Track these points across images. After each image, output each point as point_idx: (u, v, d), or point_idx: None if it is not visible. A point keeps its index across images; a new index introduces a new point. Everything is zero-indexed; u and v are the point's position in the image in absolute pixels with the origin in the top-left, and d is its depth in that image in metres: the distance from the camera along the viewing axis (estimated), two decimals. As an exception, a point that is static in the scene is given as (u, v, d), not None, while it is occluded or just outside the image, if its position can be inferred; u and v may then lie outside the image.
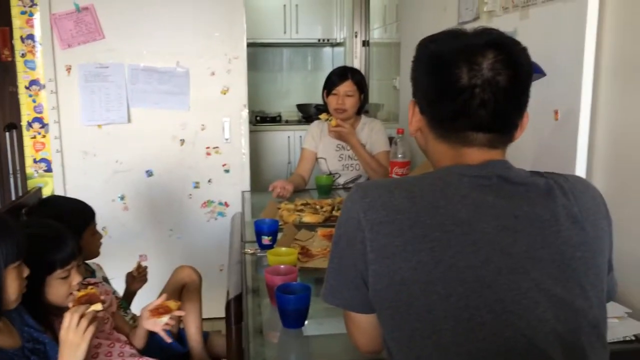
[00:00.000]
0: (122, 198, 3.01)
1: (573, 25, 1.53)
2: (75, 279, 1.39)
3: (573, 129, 1.52)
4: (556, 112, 1.58)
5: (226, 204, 3.11)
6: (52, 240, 1.36)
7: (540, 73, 1.47)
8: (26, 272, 1.22)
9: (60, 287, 1.37)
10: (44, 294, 1.36)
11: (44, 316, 1.37)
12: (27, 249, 1.21)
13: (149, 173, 3.02)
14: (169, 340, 1.57)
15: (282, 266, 1.48)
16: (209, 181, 3.07)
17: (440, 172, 0.93)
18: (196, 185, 3.07)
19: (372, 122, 2.71)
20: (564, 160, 1.51)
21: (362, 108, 2.68)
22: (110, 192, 2.97)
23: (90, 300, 1.27)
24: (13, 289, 1.19)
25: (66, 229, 1.43)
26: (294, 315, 1.28)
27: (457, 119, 0.91)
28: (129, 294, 1.84)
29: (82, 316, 1.20)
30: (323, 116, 2.61)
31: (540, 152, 1.58)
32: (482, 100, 0.88)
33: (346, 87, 2.56)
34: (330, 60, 5.18)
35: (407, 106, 3.08)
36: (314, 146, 2.73)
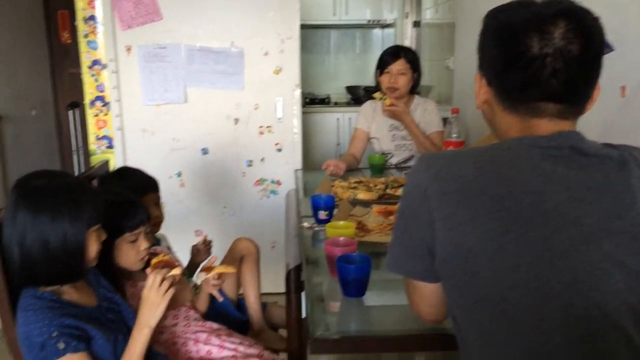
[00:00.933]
0: (178, 175, 3.10)
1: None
2: (143, 244, 1.47)
3: (640, 106, 1.48)
4: (623, 89, 1.54)
5: (278, 182, 3.16)
6: (122, 207, 1.45)
7: (609, 48, 1.44)
8: (103, 236, 1.30)
9: (128, 251, 1.45)
10: (114, 257, 1.44)
11: (115, 279, 1.45)
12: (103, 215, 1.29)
13: (205, 151, 3.10)
14: (220, 298, 1.65)
15: (341, 238, 1.51)
16: (262, 160, 3.13)
17: (509, 142, 0.93)
18: (249, 164, 3.14)
19: (426, 102, 2.70)
20: (631, 138, 1.48)
21: (416, 87, 2.68)
22: (167, 169, 3.07)
23: (166, 266, 1.34)
24: (93, 250, 1.26)
25: (136, 197, 1.52)
26: (354, 285, 1.31)
27: (527, 89, 0.91)
28: (192, 265, 1.91)
29: (163, 279, 1.27)
30: (377, 95, 2.61)
31: (605, 130, 1.54)
32: (554, 70, 0.87)
33: (399, 66, 2.56)
34: (380, 41, 5.15)
35: (461, 86, 3.07)
36: (367, 126, 2.75)
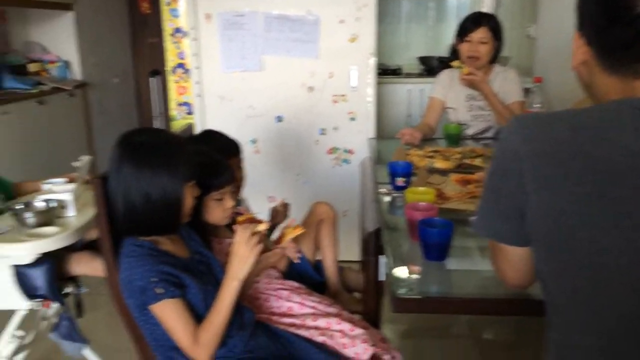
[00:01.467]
0: (253, 142, 3.18)
1: None
2: (228, 202, 1.55)
3: None
4: None
5: (351, 151, 3.19)
6: (209, 166, 1.52)
7: None
8: (197, 192, 1.37)
9: (215, 208, 1.53)
10: (202, 214, 1.52)
11: (203, 236, 1.53)
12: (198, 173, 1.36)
13: (279, 119, 3.16)
14: (296, 260, 1.71)
15: (421, 203, 1.52)
16: (335, 128, 3.16)
17: (610, 104, 0.90)
18: (323, 132, 3.17)
19: (506, 70, 2.63)
20: None
21: (497, 56, 2.60)
22: (243, 136, 3.14)
23: (252, 223, 1.40)
24: (188, 205, 1.34)
25: (221, 157, 1.59)
26: (436, 248, 1.32)
27: (630, 47, 0.86)
28: (271, 227, 1.98)
29: (252, 234, 1.33)
30: (455, 63, 2.56)
31: None
32: None
33: (480, 34, 2.50)
34: (455, 10, 5.00)
35: (544, 55, 2.95)
36: (443, 95, 2.71)
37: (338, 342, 1.49)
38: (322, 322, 1.55)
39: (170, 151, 1.30)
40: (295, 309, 1.59)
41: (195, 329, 1.29)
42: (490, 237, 1.00)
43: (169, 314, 1.26)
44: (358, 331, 1.51)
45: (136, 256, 1.28)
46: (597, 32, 0.91)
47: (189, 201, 1.34)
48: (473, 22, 2.53)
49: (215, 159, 1.58)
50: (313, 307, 1.61)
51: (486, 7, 4.48)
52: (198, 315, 1.31)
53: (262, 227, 1.37)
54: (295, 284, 1.69)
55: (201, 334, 1.29)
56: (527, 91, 2.57)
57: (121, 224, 1.32)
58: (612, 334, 0.85)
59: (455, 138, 2.55)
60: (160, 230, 1.33)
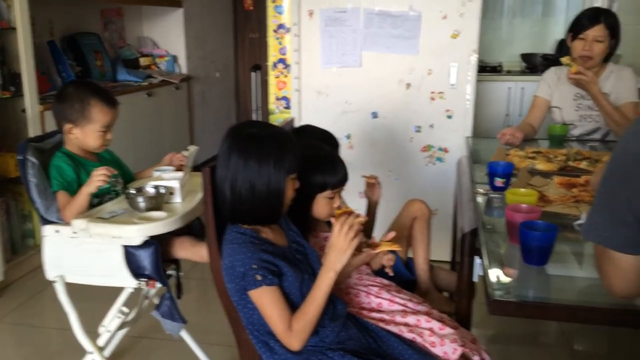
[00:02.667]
0: (348, 137, 3.21)
1: None
2: (337, 201, 1.59)
3: None
4: None
5: (445, 150, 3.13)
6: (329, 164, 1.57)
7: None
8: (297, 185, 1.41)
9: (325, 206, 1.58)
10: (310, 209, 1.57)
11: (303, 228, 1.57)
12: (302, 166, 1.40)
13: (374, 115, 3.16)
14: (391, 273, 1.66)
15: (523, 205, 1.47)
16: (431, 126, 3.11)
17: None
18: (418, 129, 3.14)
19: (621, 69, 2.47)
20: None
21: (612, 54, 2.45)
22: (338, 131, 3.14)
23: (349, 216, 1.42)
24: (289, 196, 1.39)
25: (338, 155, 1.62)
26: (537, 252, 1.28)
27: None
28: (366, 223, 1.98)
29: (350, 226, 1.36)
30: (565, 59, 2.44)
31: None
32: None
33: (596, 32, 2.36)
34: (565, 5, 4.75)
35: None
36: (549, 94, 2.59)
37: (427, 340, 1.48)
38: (411, 319, 1.54)
39: (276, 144, 1.35)
40: (384, 305, 1.60)
41: (290, 317, 1.33)
42: (601, 244, 0.96)
43: (266, 300, 1.31)
44: (447, 330, 1.50)
45: (239, 243, 1.34)
46: None
47: (290, 193, 1.38)
48: (589, 18, 2.39)
49: (336, 158, 1.63)
50: (403, 305, 1.60)
51: (600, 1, 4.23)
52: (294, 303, 1.35)
53: (360, 220, 1.38)
54: (386, 281, 1.69)
55: (295, 321, 1.33)
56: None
57: (227, 212, 1.38)
58: None
59: (559, 139, 2.44)
60: (262, 219, 1.39)
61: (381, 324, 1.53)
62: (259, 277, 1.30)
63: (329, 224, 1.51)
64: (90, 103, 1.91)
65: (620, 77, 2.43)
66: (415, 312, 1.58)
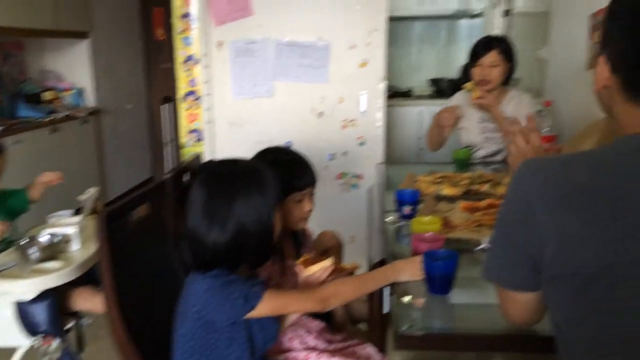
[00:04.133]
0: (263, 167, 3.18)
1: None
2: (307, 205, 1.57)
3: None
4: None
5: (360, 176, 3.17)
6: (291, 165, 1.54)
7: None
8: (281, 215, 1.37)
9: (294, 210, 1.55)
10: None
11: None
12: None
13: (289, 144, 3.15)
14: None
15: (428, 233, 1.49)
16: (344, 153, 3.15)
17: (625, 141, 0.86)
18: (332, 157, 3.16)
19: (521, 95, 2.61)
20: None
21: (509, 78, 2.59)
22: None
23: (314, 262, 1.41)
24: (277, 229, 1.35)
25: (304, 157, 1.61)
26: (440, 281, 1.30)
27: None
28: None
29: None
30: (467, 85, 2.57)
31: None
32: None
33: (491, 58, 2.50)
34: (467, 33, 5.01)
35: (555, 78, 2.92)
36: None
37: None
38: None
39: (257, 177, 1.29)
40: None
41: (309, 293, 1.34)
42: (500, 285, 0.97)
43: (277, 296, 1.28)
44: None
45: (222, 283, 1.25)
46: (626, 67, 0.88)
47: (278, 226, 1.34)
48: (483, 46, 2.53)
49: (296, 157, 1.59)
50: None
51: (497, 29, 4.48)
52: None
53: (326, 263, 1.39)
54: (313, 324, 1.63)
55: (325, 289, 1.34)
56: (537, 114, 2.55)
57: (204, 260, 1.27)
58: None
59: (464, 163, 2.53)
60: (254, 260, 1.34)
61: None
62: (256, 289, 1.25)
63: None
64: None
65: (521, 102, 2.56)
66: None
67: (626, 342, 0.81)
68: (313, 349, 1.51)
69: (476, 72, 2.55)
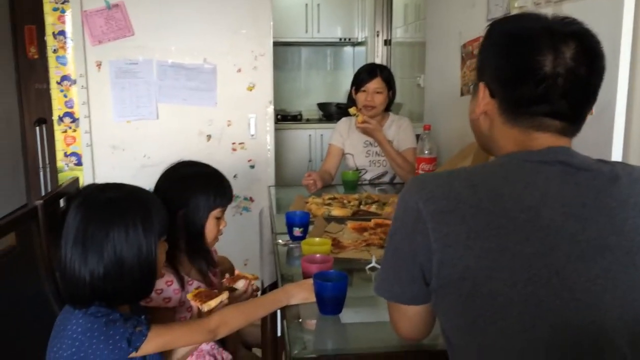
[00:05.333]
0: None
1: (608, 20, 1.54)
2: (223, 223, 1.54)
3: (608, 124, 1.52)
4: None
5: (251, 199, 3.14)
6: (216, 179, 1.52)
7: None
8: (166, 247, 1.31)
9: (213, 227, 1.51)
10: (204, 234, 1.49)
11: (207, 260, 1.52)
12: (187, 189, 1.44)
13: (176, 168, 3.06)
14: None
15: (317, 255, 1.50)
16: (235, 176, 3.11)
17: (502, 159, 0.93)
18: (222, 181, 3.11)
19: (400, 119, 2.74)
20: (599, 155, 1.52)
21: (390, 105, 2.71)
22: (140, 185, 3.01)
23: (208, 295, 1.35)
24: (161, 262, 1.26)
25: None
26: (331, 303, 1.30)
27: (536, 104, 0.89)
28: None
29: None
30: (352, 110, 2.63)
31: (574, 147, 1.58)
32: (564, 90, 0.87)
33: (375, 84, 2.59)
34: (351, 59, 5.21)
35: (431, 104, 3.08)
36: (341, 142, 2.76)
37: None
38: None
39: (141, 205, 1.20)
40: None
41: (197, 323, 1.29)
42: (392, 300, 0.99)
43: (163, 333, 1.21)
44: None
45: (100, 324, 1.14)
46: (504, 86, 0.93)
47: (162, 258, 1.25)
48: (368, 73, 2.63)
49: (219, 172, 1.55)
50: None
51: (380, 57, 4.71)
52: None
53: (223, 297, 1.34)
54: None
55: (215, 318, 1.30)
56: (417, 137, 2.68)
57: (80, 294, 1.17)
58: None
59: (352, 184, 2.59)
60: (133, 295, 1.23)
61: None
62: (140, 328, 1.17)
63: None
64: None
65: (400, 126, 2.68)
66: None
67: (511, 351, 0.84)
68: None
69: (361, 97, 2.63)
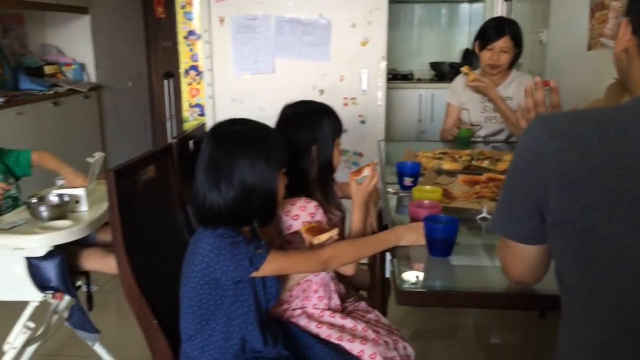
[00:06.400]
0: (264, 143, 3.21)
1: None
2: (341, 152, 1.69)
3: None
4: None
5: (360, 154, 3.20)
6: (330, 110, 1.64)
7: None
8: (286, 180, 1.40)
9: (337, 154, 1.65)
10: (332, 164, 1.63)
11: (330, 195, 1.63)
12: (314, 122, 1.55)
13: (290, 121, 3.18)
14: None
15: (425, 201, 1.53)
16: (345, 131, 3.15)
17: (634, 101, 0.90)
18: (333, 135, 3.19)
19: (522, 76, 2.64)
20: None
21: (515, 62, 2.62)
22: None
23: (320, 229, 1.43)
24: (281, 194, 1.37)
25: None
26: (441, 244, 1.33)
27: None
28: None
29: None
30: (464, 69, 2.58)
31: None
32: None
33: (502, 43, 2.51)
34: (468, 17, 5.01)
35: (555, 60, 2.94)
36: (457, 100, 2.74)
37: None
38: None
39: (263, 140, 1.32)
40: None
41: (312, 252, 1.38)
42: (505, 236, 1.00)
43: (282, 257, 1.33)
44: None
45: (227, 244, 1.28)
46: None
47: (281, 190, 1.36)
48: (496, 30, 2.53)
49: (330, 106, 1.67)
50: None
51: (499, 14, 4.49)
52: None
53: (333, 233, 1.41)
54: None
55: (326, 250, 1.38)
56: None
57: (212, 216, 1.30)
58: (631, 330, 0.85)
59: (465, 141, 2.56)
60: (258, 220, 1.36)
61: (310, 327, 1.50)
62: (260, 251, 1.29)
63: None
64: None
65: (521, 83, 2.59)
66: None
67: (627, 291, 0.84)
68: (329, 309, 1.55)
69: (485, 55, 2.56)
